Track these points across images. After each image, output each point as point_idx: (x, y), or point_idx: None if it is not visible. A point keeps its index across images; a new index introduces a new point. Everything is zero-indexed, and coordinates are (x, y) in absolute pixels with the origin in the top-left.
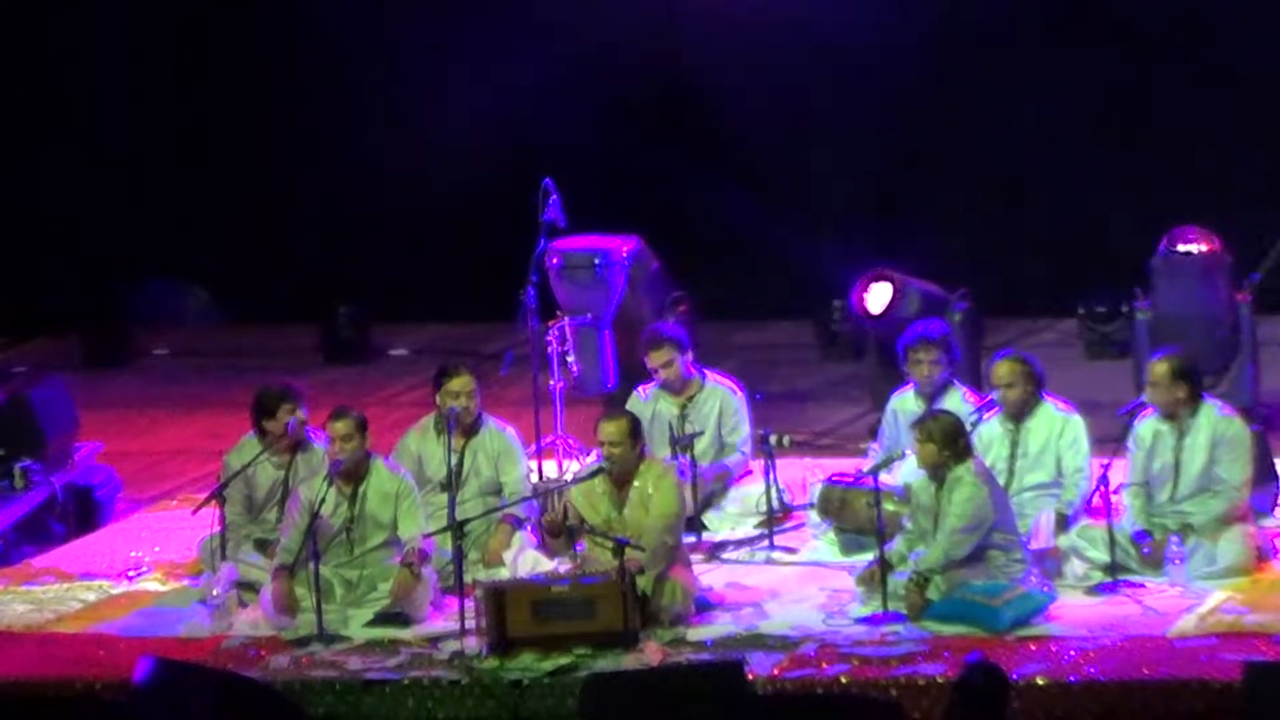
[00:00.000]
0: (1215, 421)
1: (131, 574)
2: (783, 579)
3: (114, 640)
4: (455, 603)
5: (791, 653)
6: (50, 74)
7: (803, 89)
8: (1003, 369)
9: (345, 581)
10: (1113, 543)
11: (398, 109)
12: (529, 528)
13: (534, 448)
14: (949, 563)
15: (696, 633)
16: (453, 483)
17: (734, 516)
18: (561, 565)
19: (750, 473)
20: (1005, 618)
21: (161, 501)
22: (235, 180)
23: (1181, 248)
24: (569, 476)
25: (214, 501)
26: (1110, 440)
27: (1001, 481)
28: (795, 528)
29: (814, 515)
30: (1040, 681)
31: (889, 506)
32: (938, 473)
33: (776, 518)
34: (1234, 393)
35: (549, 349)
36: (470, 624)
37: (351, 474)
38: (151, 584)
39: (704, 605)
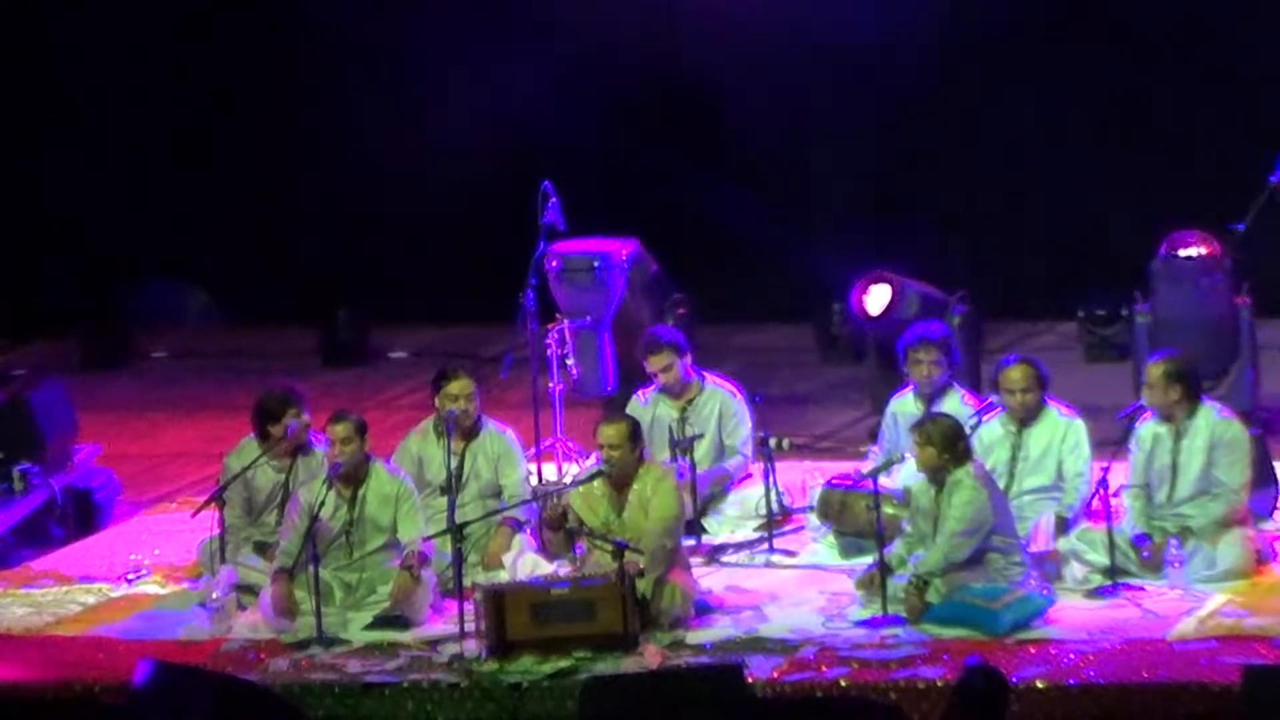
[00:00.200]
0: (1214, 424)
1: (131, 577)
2: (782, 582)
3: (113, 643)
4: (455, 605)
5: (791, 656)
6: (50, 74)
7: (803, 89)
8: (1017, 374)
9: (345, 584)
10: (1112, 546)
11: (398, 111)
12: (529, 531)
13: (534, 450)
14: (948, 566)
15: (696, 636)
16: (452, 485)
17: (733, 520)
18: (561, 568)
19: (750, 476)
20: (1005, 621)
21: (161, 504)
22: (235, 181)
23: (1182, 252)
24: (568, 479)
25: (213, 504)
26: (1109, 443)
27: (1002, 484)
28: (795, 531)
29: (813, 518)
30: (1040, 685)
31: (888, 510)
32: (937, 476)
33: (776, 521)
34: (1233, 396)
35: (548, 352)
36: (470, 627)
37: (351, 477)
38: (151, 587)
39: (703, 608)
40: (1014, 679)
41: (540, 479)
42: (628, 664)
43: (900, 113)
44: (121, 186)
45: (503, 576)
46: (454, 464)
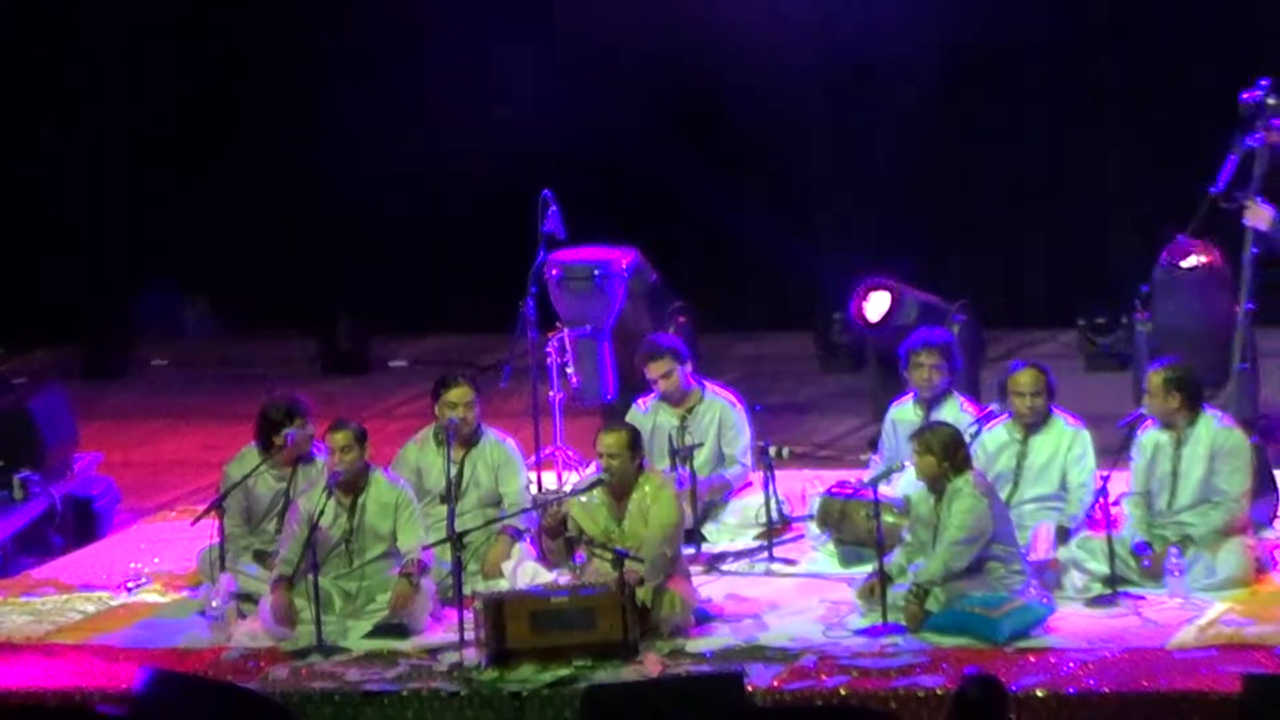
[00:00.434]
0: (1214, 432)
1: (131, 585)
2: (782, 591)
3: (113, 652)
4: (454, 614)
5: (791, 664)
6: (51, 83)
7: (802, 99)
8: (1026, 378)
9: (344, 593)
10: (1112, 554)
11: (398, 120)
12: (528, 539)
13: (533, 459)
14: (948, 574)
15: (696, 644)
16: (452, 494)
17: (733, 528)
18: (561, 577)
19: (750, 484)
20: (1004, 629)
21: (161, 512)
22: (236, 190)
23: (1182, 261)
24: (568, 488)
25: (213, 513)
26: (1110, 452)
27: (1005, 491)
28: (795, 539)
29: (813, 527)
30: (1039, 693)
31: (888, 518)
32: (937, 484)
33: (776, 529)
34: (1234, 405)
35: (548, 360)
36: (469, 635)
37: (351, 485)
38: (151, 595)
39: (703, 617)
40: (1014, 688)
41: (540, 487)
42: (628, 672)
43: (900, 122)
44: (123, 196)
45: (502, 585)
46: (453, 472)
